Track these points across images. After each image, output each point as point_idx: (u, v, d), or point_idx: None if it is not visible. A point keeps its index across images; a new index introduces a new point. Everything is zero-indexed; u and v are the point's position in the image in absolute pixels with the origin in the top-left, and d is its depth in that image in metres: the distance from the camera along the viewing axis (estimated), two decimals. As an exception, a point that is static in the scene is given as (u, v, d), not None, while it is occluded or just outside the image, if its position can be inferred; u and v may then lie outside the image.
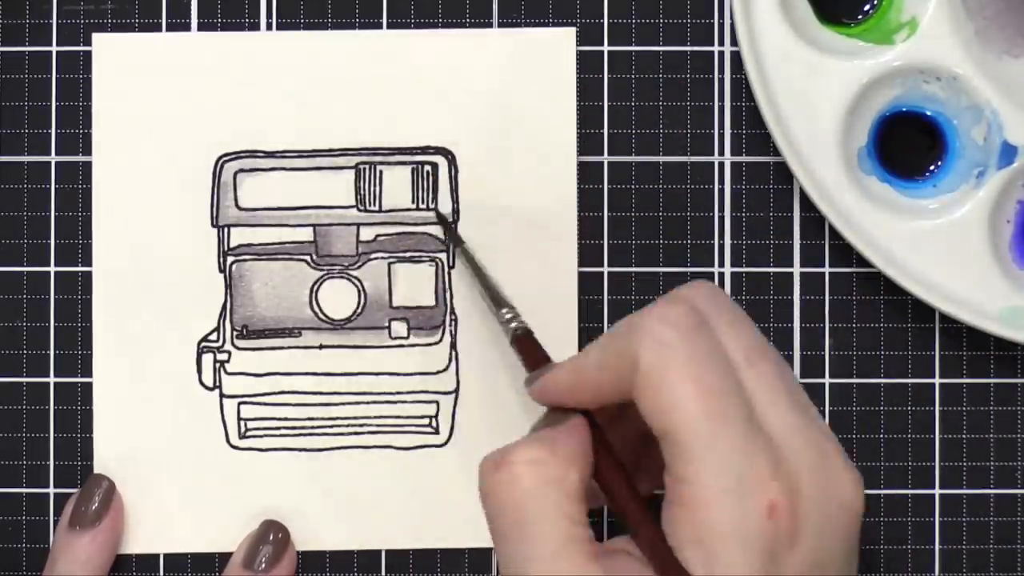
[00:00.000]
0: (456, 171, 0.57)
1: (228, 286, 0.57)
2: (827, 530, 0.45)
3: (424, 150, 0.57)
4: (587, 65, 0.57)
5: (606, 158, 0.57)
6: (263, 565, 0.55)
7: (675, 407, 0.44)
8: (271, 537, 0.56)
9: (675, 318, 0.45)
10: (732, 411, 0.44)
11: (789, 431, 0.45)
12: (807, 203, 0.56)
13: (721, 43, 0.58)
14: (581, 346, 0.57)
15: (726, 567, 0.43)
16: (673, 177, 0.57)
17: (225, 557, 0.56)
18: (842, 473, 0.45)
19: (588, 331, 0.57)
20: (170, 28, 0.57)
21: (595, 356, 0.47)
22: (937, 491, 0.57)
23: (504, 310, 0.53)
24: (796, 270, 0.57)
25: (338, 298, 0.57)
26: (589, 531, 0.45)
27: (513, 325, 0.52)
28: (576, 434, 0.47)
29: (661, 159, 0.57)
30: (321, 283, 0.57)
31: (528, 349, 0.52)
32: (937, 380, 0.57)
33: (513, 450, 0.46)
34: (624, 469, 0.47)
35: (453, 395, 0.57)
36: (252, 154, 0.57)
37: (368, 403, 0.57)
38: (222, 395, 0.56)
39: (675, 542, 0.44)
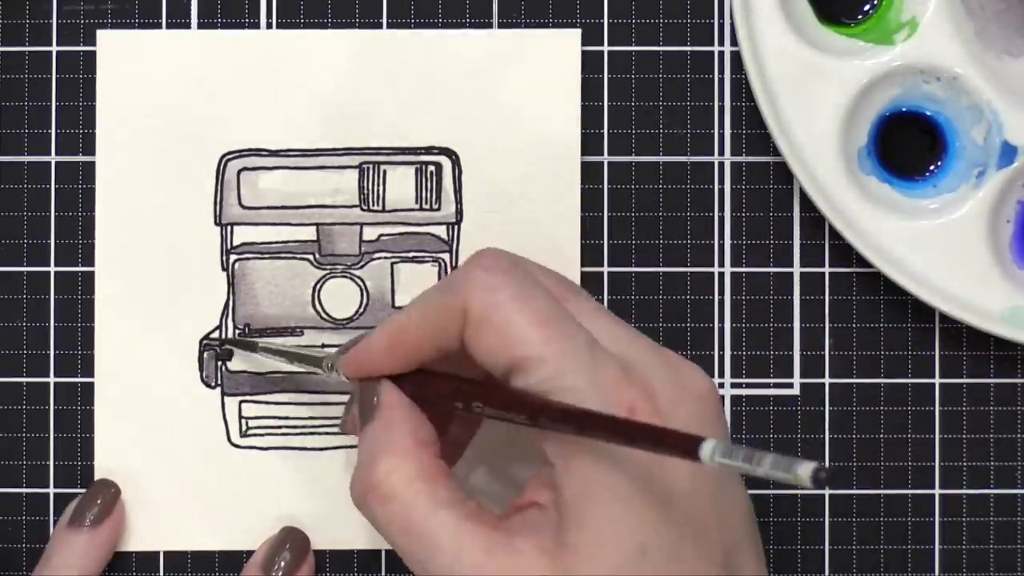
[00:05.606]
0: (460, 171, 0.57)
1: (231, 284, 0.57)
2: (694, 421, 0.45)
3: (428, 150, 0.57)
4: (587, 65, 0.57)
5: (606, 158, 0.57)
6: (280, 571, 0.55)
7: (517, 339, 0.44)
8: (289, 545, 0.55)
9: (493, 264, 0.46)
10: (570, 331, 0.45)
11: (625, 345, 0.46)
12: (807, 203, 0.56)
13: (721, 43, 0.58)
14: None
15: None
16: (673, 177, 0.57)
17: (225, 555, 0.56)
18: (686, 368, 0.46)
19: (589, 331, 0.57)
20: (170, 28, 0.57)
21: (417, 315, 0.47)
22: (937, 491, 0.57)
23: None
24: (796, 270, 0.57)
25: (340, 297, 0.57)
26: (473, 502, 0.45)
27: None
28: (398, 408, 0.47)
29: (661, 159, 0.57)
30: (324, 282, 0.57)
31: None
32: (937, 380, 0.57)
33: (369, 473, 0.46)
34: (458, 377, 0.48)
35: (454, 395, 0.57)
36: (256, 152, 0.57)
37: (369, 402, 0.57)
38: (223, 393, 0.56)
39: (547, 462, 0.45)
